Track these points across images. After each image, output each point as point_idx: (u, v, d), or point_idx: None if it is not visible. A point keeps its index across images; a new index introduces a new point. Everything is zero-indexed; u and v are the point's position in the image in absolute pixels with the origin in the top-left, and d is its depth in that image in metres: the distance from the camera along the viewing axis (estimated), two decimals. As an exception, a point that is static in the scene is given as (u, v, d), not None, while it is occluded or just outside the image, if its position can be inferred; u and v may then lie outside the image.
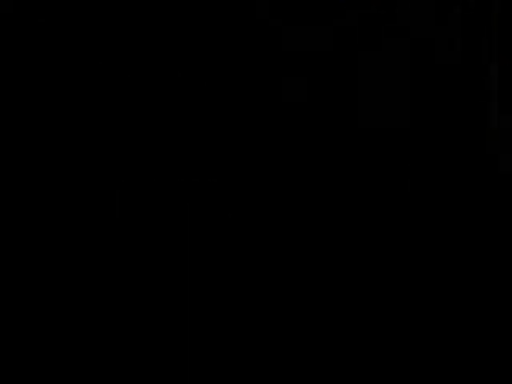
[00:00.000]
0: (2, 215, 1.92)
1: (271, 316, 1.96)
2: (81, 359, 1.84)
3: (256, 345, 1.92)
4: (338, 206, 2.04)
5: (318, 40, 2.05)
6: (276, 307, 1.97)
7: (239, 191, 2.01)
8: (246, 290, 1.97)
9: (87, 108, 2.00)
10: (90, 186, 1.96)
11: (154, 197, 1.99)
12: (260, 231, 2.01)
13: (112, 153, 1.98)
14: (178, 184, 2.00)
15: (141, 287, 1.94)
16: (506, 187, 2.01)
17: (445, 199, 2.02)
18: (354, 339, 1.94)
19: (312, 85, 2.05)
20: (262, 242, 2.01)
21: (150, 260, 1.96)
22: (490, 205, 2.00)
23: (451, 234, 2.00)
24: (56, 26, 2.01)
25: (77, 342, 1.87)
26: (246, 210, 2.01)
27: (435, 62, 2.06)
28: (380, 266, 2.00)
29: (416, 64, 2.06)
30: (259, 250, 2.00)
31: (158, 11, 2.01)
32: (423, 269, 2.00)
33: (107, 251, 1.95)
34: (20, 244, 1.91)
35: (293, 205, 2.04)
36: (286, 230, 2.02)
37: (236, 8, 2.02)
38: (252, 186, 2.02)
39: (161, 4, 2.01)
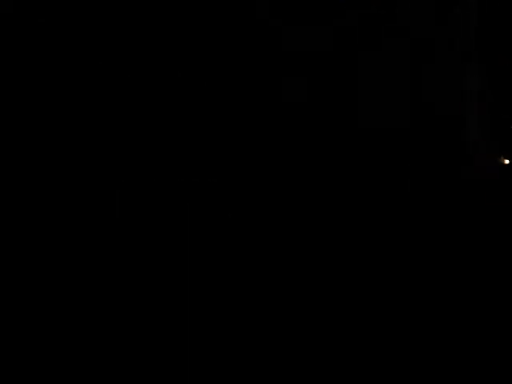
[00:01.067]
0: (2, 215, 1.92)
1: (271, 315, 1.96)
2: (80, 359, 1.84)
3: (256, 344, 1.92)
4: (337, 206, 2.04)
5: (318, 40, 2.04)
6: (276, 307, 1.97)
7: (239, 191, 2.01)
8: (246, 290, 1.97)
9: (87, 108, 2.00)
10: (90, 185, 1.96)
11: (154, 197, 1.99)
12: (260, 231, 2.01)
13: (112, 153, 1.98)
14: (178, 184, 2.00)
15: (141, 287, 1.94)
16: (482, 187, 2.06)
17: (430, 197, 2.04)
18: (351, 338, 1.94)
19: (312, 85, 2.05)
20: (262, 242, 2.01)
21: (150, 260, 1.96)
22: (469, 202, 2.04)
23: (441, 230, 2.02)
24: (56, 25, 2.01)
25: (76, 342, 1.87)
26: (245, 210, 2.01)
27: (435, 63, 2.07)
28: (382, 265, 2.00)
29: (416, 64, 2.06)
30: (259, 250, 2.00)
31: (158, 11, 2.01)
32: (424, 267, 2.00)
33: (107, 251, 1.94)
34: (20, 244, 1.91)
35: (293, 204, 2.04)
36: (286, 229, 2.02)
37: (236, 8, 2.02)
38: (252, 186, 2.02)
39: (161, 4, 2.01)
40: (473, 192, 2.05)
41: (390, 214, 2.03)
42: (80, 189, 1.96)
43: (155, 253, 1.96)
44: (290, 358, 1.92)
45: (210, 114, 2.03)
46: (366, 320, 1.96)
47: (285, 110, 2.05)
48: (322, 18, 2.05)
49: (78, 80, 2.00)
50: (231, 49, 2.03)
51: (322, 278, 2.00)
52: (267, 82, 2.04)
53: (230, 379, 1.88)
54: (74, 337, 1.87)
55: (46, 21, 2.01)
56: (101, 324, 1.89)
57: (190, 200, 2.00)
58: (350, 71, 2.07)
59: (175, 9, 2.01)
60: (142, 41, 2.01)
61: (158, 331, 1.91)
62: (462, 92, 2.09)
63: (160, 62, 2.02)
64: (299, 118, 2.06)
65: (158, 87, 2.01)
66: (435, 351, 1.92)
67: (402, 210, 2.03)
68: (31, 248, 1.91)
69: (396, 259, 2.00)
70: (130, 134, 2.00)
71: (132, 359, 1.87)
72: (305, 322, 1.96)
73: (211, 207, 2.00)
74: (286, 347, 1.93)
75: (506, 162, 2.13)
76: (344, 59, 2.06)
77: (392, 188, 2.04)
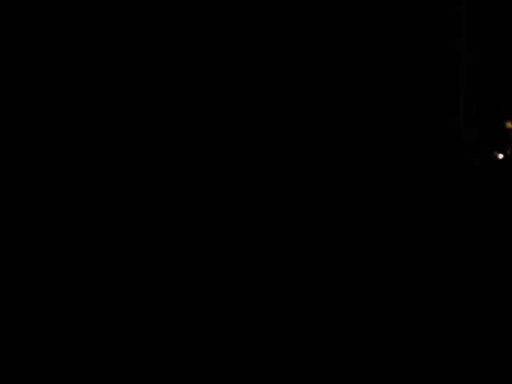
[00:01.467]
0: (3, 215, 1.91)
1: (271, 315, 1.95)
2: (81, 359, 1.84)
3: (255, 343, 1.92)
4: (336, 205, 2.04)
5: (318, 40, 2.04)
6: (275, 306, 1.96)
7: (239, 191, 2.01)
8: (245, 289, 1.97)
9: (87, 108, 2.00)
10: (90, 185, 1.96)
11: (154, 197, 1.98)
12: (260, 230, 2.01)
13: (112, 153, 1.98)
14: (178, 184, 2.00)
15: (141, 286, 1.94)
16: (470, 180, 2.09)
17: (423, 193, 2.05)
18: (346, 334, 1.94)
19: (312, 85, 2.05)
20: (262, 241, 2.00)
21: (150, 259, 1.96)
22: (459, 195, 2.06)
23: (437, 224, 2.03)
24: (56, 25, 2.01)
25: (77, 342, 1.86)
26: (245, 210, 2.01)
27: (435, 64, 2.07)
28: (381, 262, 2.00)
29: (415, 63, 2.06)
30: (259, 249, 2.00)
31: (159, 12, 2.01)
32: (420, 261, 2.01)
33: (107, 250, 1.94)
34: (20, 243, 1.91)
35: (292, 204, 2.03)
36: (285, 229, 2.02)
37: (236, 8, 2.01)
38: (251, 186, 2.02)
39: (161, 4, 2.00)
40: (467, 182, 2.07)
41: (389, 204, 2.03)
42: (80, 189, 1.96)
43: (155, 252, 1.96)
44: (289, 358, 1.91)
45: (209, 114, 2.03)
46: (355, 304, 1.95)
47: (285, 110, 2.05)
48: (322, 17, 2.05)
49: (78, 80, 2.00)
50: (231, 49, 2.03)
51: (321, 274, 1.99)
52: (267, 82, 2.04)
53: (229, 379, 1.88)
54: (74, 336, 1.87)
55: (46, 21, 2.01)
56: (100, 323, 1.89)
57: (190, 200, 1.99)
58: (350, 71, 2.07)
59: (175, 9, 2.01)
60: (142, 41, 2.01)
61: (158, 330, 1.91)
62: (458, 90, 2.10)
63: (160, 61, 2.02)
64: (299, 118, 2.06)
65: (158, 87, 2.01)
66: (424, 330, 1.92)
67: (401, 199, 2.04)
68: (31, 247, 1.91)
69: (394, 242, 2.01)
70: (130, 134, 2.00)
71: (132, 358, 1.86)
72: (303, 321, 1.96)
73: (211, 207, 2.00)
74: (285, 346, 1.92)
75: (500, 156, 2.17)
76: (344, 59, 2.06)
77: (393, 180, 2.04)
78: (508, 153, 2.17)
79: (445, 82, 2.07)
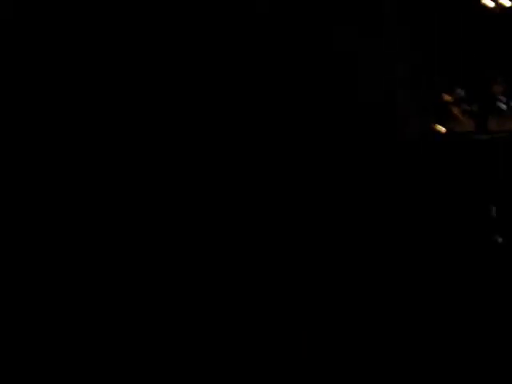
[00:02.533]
0: (3, 216, 1.90)
1: (271, 315, 1.94)
2: (81, 359, 1.81)
3: (255, 344, 1.90)
4: (335, 205, 2.05)
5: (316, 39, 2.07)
6: (275, 307, 1.95)
7: (240, 191, 2.01)
8: (245, 290, 1.96)
9: (87, 111, 2.00)
10: (90, 185, 1.95)
11: (155, 196, 1.98)
12: (260, 230, 2.00)
13: (112, 152, 1.98)
14: (179, 184, 1.99)
15: (141, 287, 1.93)
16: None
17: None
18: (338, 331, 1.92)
19: (311, 84, 2.07)
20: (262, 242, 2.00)
21: (150, 260, 1.94)
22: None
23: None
24: (56, 30, 2.02)
25: (77, 342, 1.84)
26: (245, 210, 2.01)
27: None
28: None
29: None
30: (259, 250, 1.99)
31: (158, 12, 2.02)
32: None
33: (107, 252, 1.93)
34: (20, 244, 1.89)
35: (292, 205, 2.04)
36: (285, 229, 2.02)
37: (236, 7, 2.04)
38: (251, 186, 2.02)
39: (161, 4, 2.02)
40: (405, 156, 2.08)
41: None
42: (80, 189, 1.95)
43: (155, 253, 1.95)
44: (289, 358, 1.89)
45: (209, 113, 2.03)
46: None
47: (284, 109, 2.06)
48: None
49: (77, 81, 2.01)
50: (231, 48, 2.04)
51: (321, 275, 1.99)
52: (266, 81, 2.06)
53: (229, 379, 1.85)
54: (75, 337, 1.84)
55: (46, 26, 2.03)
56: (100, 324, 1.87)
57: (190, 200, 1.99)
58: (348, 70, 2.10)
59: (175, 8, 2.03)
60: (142, 41, 2.02)
61: (157, 331, 1.88)
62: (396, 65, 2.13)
63: (160, 61, 2.03)
64: (298, 118, 2.07)
65: (158, 87, 2.02)
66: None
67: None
68: (30, 248, 1.89)
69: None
70: (129, 133, 2.00)
71: (132, 359, 1.84)
72: (304, 321, 1.94)
73: (211, 207, 1.99)
74: (284, 347, 1.90)
75: (442, 130, 2.17)
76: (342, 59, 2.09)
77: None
78: (450, 126, 2.16)
79: (383, 57, 2.09)
